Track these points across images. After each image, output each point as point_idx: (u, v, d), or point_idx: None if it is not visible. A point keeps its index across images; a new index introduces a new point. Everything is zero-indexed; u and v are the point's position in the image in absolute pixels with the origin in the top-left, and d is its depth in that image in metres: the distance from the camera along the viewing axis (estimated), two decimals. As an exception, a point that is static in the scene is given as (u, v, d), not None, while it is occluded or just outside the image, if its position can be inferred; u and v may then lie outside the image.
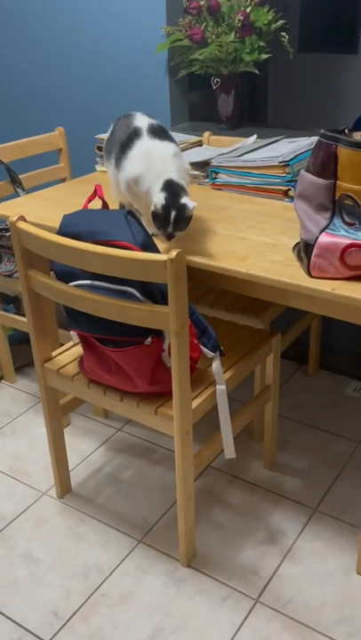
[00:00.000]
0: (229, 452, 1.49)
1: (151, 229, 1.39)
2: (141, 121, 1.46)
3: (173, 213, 1.32)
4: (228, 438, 1.47)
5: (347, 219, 1.21)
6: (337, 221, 1.23)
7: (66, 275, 1.35)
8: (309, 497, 1.74)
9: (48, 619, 1.44)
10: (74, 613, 1.44)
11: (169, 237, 1.35)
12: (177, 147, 1.45)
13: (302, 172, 1.27)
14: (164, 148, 1.41)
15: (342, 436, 1.97)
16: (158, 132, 1.45)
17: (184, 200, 1.33)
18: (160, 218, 1.33)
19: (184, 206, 1.33)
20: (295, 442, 1.96)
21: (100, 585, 1.51)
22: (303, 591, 1.47)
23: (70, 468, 1.84)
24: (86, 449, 1.96)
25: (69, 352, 1.61)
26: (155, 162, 1.38)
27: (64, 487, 1.78)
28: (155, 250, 1.29)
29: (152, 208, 1.32)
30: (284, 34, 2.06)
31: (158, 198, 1.32)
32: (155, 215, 1.33)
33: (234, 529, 1.65)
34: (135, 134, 1.44)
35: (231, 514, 1.69)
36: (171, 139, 1.46)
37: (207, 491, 1.77)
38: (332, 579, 1.50)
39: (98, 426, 2.06)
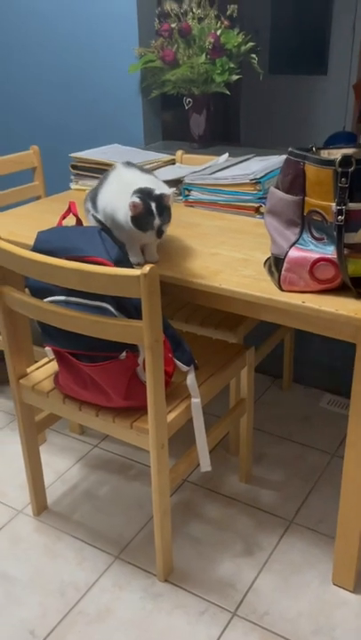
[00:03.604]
0: (205, 464, 1.50)
1: (137, 259, 1.41)
2: (120, 162, 1.49)
3: (154, 205, 1.33)
4: (204, 451, 1.48)
5: (315, 234, 1.25)
6: (306, 236, 1.26)
7: (40, 291, 1.36)
8: (285, 509, 1.75)
9: (24, 638, 1.42)
10: (50, 632, 1.43)
11: (159, 233, 1.36)
12: (153, 177, 1.45)
13: (272, 188, 1.30)
14: (138, 175, 1.43)
15: (317, 449, 1.99)
16: (134, 166, 1.47)
17: (158, 191, 1.35)
18: (142, 216, 1.34)
19: (161, 196, 1.35)
20: (271, 455, 1.97)
21: (77, 602, 1.50)
22: (280, 603, 1.48)
23: (46, 486, 1.83)
24: (62, 466, 1.95)
25: (44, 368, 1.62)
26: (126, 189, 1.37)
27: (40, 505, 1.76)
28: (128, 265, 1.31)
29: (130, 212, 1.33)
30: (253, 55, 2.12)
31: (132, 199, 1.33)
32: (135, 218, 1.34)
33: (211, 543, 1.65)
34: (111, 170, 1.47)
35: (208, 527, 1.70)
36: (148, 172, 1.47)
37: (184, 505, 1.78)
38: (307, 589, 1.51)
39: (74, 442, 2.05)
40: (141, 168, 1.48)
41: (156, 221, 1.35)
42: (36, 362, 1.67)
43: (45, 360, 1.64)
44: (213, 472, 1.89)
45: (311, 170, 1.20)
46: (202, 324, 1.82)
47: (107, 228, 1.42)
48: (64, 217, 1.47)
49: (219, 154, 1.98)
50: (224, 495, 1.81)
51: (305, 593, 1.50)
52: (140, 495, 1.82)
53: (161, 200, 1.35)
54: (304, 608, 1.46)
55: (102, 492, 1.84)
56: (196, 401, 1.43)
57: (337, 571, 1.51)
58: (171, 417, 1.40)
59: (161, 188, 1.37)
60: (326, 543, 1.63)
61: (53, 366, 1.60)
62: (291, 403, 2.23)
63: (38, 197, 2.22)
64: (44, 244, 1.34)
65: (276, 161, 1.79)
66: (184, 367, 1.42)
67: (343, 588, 1.51)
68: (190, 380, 1.42)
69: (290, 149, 1.23)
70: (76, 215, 1.47)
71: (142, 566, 1.59)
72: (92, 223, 1.49)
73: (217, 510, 1.76)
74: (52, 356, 1.50)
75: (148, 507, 1.77)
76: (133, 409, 1.43)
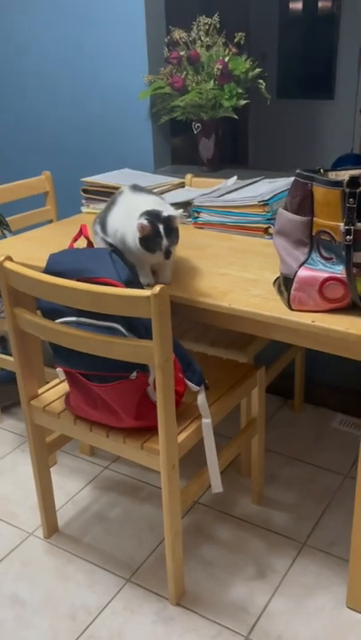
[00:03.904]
0: (216, 485, 1.49)
1: (147, 279, 1.42)
2: (127, 185, 1.51)
3: (162, 227, 1.35)
4: (215, 472, 1.48)
5: (324, 253, 1.26)
6: (315, 256, 1.27)
7: (52, 312, 1.38)
8: (298, 531, 1.74)
9: (35, 662, 1.41)
10: (61, 656, 1.42)
11: (167, 254, 1.37)
12: (160, 199, 1.47)
13: (280, 209, 1.32)
14: (145, 198, 1.45)
15: (329, 470, 1.98)
16: (141, 189, 1.49)
17: (166, 213, 1.37)
18: (150, 237, 1.35)
19: (169, 217, 1.36)
20: (283, 476, 1.96)
21: (88, 626, 1.48)
22: (293, 627, 1.46)
23: (57, 508, 1.82)
24: (73, 488, 1.94)
25: (55, 389, 1.63)
26: (134, 212, 1.39)
27: (51, 527, 1.76)
28: (138, 286, 1.32)
29: (138, 234, 1.35)
30: (261, 81, 2.16)
31: (140, 221, 1.35)
32: (143, 240, 1.35)
33: (223, 565, 1.64)
34: (119, 194, 1.50)
35: (220, 550, 1.68)
36: (155, 195, 1.49)
37: (195, 527, 1.77)
38: (321, 613, 1.49)
39: (84, 464, 2.05)
40: (148, 191, 1.50)
41: (164, 242, 1.36)
42: (48, 383, 1.68)
43: (56, 381, 1.65)
44: (225, 493, 1.87)
45: (319, 191, 1.21)
46: (212, 344, 1.82)
47: (117, 250, 1.44)
48: (75, 239, 1.49)
49: (228, 177, 2.00)
50: (236, 517, 1.80)
51: (319, 616, 1.48)
52: (152, 517, 1.81)
53: (169, 222, 1.37)
54: (318, 632, 1.44)
55: (113, 514, 1.83)
56: (206, 421, 1.43)
57: (351, 594, 1.48)
58: (181, 437, 1.40)
59: (168, 210, 1.39)
60: (340, 566, 1.61)
61: (64, 387, 1.61)
62: (302, 423, 2.22)
63: (50, 221, 2.25)
64: (55, 265, 1.36)
65: (283, 183, 1.81)
66: (195, 387, 1.42)
67: (358, 612, 1.48)
68: (201, 399, 1.43)
69: (298, 171, 1.25)
70: (87, 237, 1.49)
71: (154, 589, 1.57)
72: (101, 245, 1.51)
73: (229, 532, 1.74)
74: (63, 376, 1.51)
75: (160, 529, 1.76)
76: (144, 429, 1.43)
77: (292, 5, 4.84)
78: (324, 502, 1.84)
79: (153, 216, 1.36)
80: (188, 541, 1.71)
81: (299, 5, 4.83)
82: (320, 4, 4.76)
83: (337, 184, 1.18)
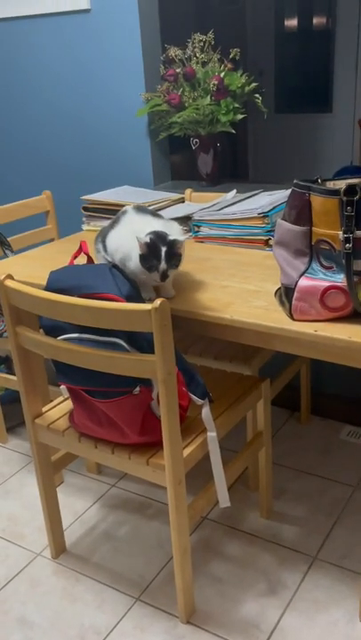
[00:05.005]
0: (224, 500, 1.47)
1: (148, 294, 1.43)
2: (131, 206, 1.51)
3: (164, 249, 1.35)
4: (222, 486, 1.46)
5: (324, 262, 1.25)
6: (315, 265, 1.27)
7: (54, 329, 1.38)
8: (308, 545, 1.71)
9: None
10: None
11: (163, 277, 1.37)
12: (165, 221, 1.46)
13: (279, 220, 1.31)
14: (149, 221, 1.44)
15: (338, 482, 1.95)
16: (146, 210, 1.49)
17: (172, 236, 1.36)
18: (149, 257, 1.35)
19: (174, 242, 1.36)
20: (291, 489, 1.94)
21: (98, 647, 1.46)
22: (306, 643, 1.43)
23: (64, 527, 1.81)
24: (80, 507, 1.93)
25: (59, 407, 1.62)
26: (138, 236, 1.38)
27: (58, 547, 1.74)
28: (139, 300, 1.32)
29: (139, 251, 1.35)
30: (257, 95, 2.17)
31: (144, 238, 1.35)
32: (143, 258, 1.36)
33: (233, 582, 1.61)
34: (122, 213, 1.49)
35: (230, 566, 1.66)
36: (160, 217, 1.49)
37: (204, 543, 1.74)
38: (334, 628, 1.46)
39: (91, 483, 2.03)
40: (153, 212, 1.50)
41: (162, 265, 1.36)
42: (51, 401, 1.67)
43: (60, 399, 1.65)
44: (233, 509, 1.85)
45: (317, 200, 1.21)
46: (216, 358, 1.82)
47: (117, 266, 1.44)
48: (75, 256, 1.49)
49: (227, 191, 2.01)
50: (245, 532, 1.78)
51: (332, 632, 1.45)
52: (160, 534, 1.79)
53: (172, 245, 1.36)
54: (332, 648, 1.41)
55: (121, 532, 1.81)
56: (212, 435, 1.42)
57: (364, 608, 1.46)
58: (187, 452, 1.38)
59: (174, 234, 1.39)
60: (352, 579, 1.59)
61: (68, 405, 1.60)
62: (310, 435, 2.20)
63: (52, 240, 2.26)
64: (56, 283, 1.36)
65: (283, 195, 1.81)
66: (198, 400, 1.41)
67: (372, 626, 1.46)
68: (205, 413, 1.42)
69: (295, 181, 1.25)
70: (87, 254, 1.49)
71: (164, 608, 1.55)
72: (103, 262, 1.51)
73: (238, 548, 1.72)
74: (66, 394, 1.51)
75: (168, 546, 1.74)
76: (149, 445, 1.42)
77: (287, 22, 4.89)
78: (334, 515, 1.82)
79: (157, 237, 1.36)
80: (197, 558, 1.69)
81: (294, 22, 4.88)
82: (315, 21, 4.82)
83: (334, 193, 1.18)
